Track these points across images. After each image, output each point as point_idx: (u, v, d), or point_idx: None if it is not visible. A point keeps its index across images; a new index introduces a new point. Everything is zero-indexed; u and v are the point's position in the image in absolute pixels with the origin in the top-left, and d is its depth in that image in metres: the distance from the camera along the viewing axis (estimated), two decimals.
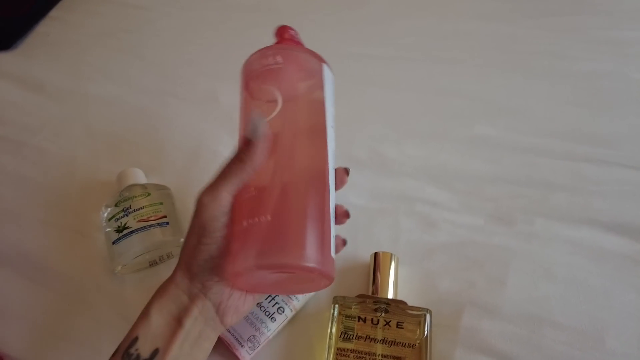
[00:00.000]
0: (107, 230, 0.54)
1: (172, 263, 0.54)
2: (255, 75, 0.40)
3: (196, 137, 0.69)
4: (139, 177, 0.60)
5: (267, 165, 0.36)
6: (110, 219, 0.55)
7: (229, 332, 0.45)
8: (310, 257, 0.33)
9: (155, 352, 0.30)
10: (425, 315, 0.45)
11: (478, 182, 0.60)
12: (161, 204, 0.56)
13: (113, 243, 0.53)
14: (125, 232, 0.53)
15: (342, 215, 0.39)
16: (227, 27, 0.91)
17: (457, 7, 0.90)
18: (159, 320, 0.31)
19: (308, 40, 0.86)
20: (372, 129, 0.68)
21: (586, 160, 0.62)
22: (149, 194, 0.57)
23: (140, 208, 0.55)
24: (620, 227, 0.54)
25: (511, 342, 0.46)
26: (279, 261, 0.33)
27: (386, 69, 0.77)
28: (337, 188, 0.39)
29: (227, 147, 0.67)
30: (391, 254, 0.49)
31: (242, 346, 0.45)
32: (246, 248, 0.33)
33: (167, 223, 0.55)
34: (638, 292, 0.49)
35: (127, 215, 0.54)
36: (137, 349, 0.30)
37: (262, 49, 0.42)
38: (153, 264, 0.55)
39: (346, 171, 0.40)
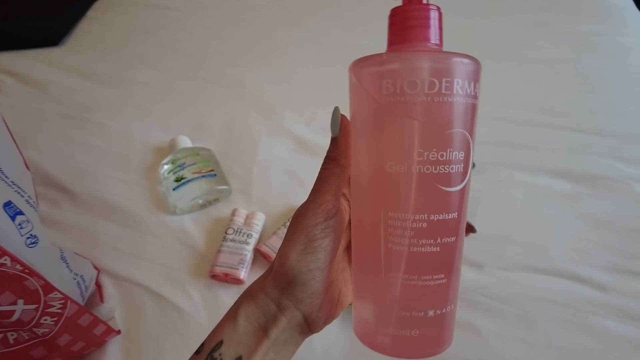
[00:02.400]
0: (167, 181, 0.70)
1: (219, 206, 0.70)
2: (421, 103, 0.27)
3: (229, 113, 0.84)
4: (188, 142, 0.75)
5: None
6: (169, 172, 0.70)
7: (222, 266, 0.60)
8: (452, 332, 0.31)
9: (239, 359, 0.29)
10: None
11: None
12: (209, 161, 0.72)
13: (173, 190, 0.68)
14: (183, 181, 0.68)
15: (468, 231, 0.33)
16: (246, 23, 1.07)
17: (440, 6, 1.06)
18: (246, 327, 0.30)
19: (317, 35, 1.02)
20: None
21: (544, 126, 0.78)
22: (198, 154, 0.72)
23: (193, 164, 0.70)
24: (565, 174, 0.70)
25: (480, 253, 0.61)
26: (427, 353, 0.30)
27: None
28: None
29: (256, 120, 0.82)
30: None
31: (237, 270, 0.60)
32: (396, 319, 0.29)
33: (215, 174, 0.70)
34: (575, 219, 0.65)
35: (183, 169, 0.70)
36: (220, 354, 0.29)
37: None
38: (204, 206, 0.70)
39: (472, 229, 0.34)
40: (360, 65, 0.28)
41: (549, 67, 0.91)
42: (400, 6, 0.29)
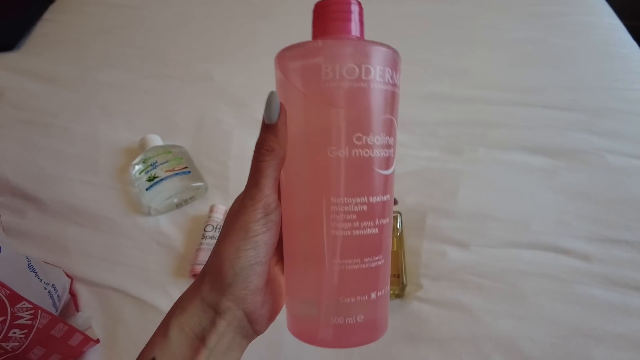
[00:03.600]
0: (140, 181, 0.66)
1: (196, 204, 0.67)
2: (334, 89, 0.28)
3: (199, 108, 0.82)
4: (158, 140, 0.72)
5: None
6: (141, 172, 0.67)
7: (202, 264, 0.57)
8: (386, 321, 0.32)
9: None
10: (397, 217, 0.59)
11: (433, 126, 0.75)
12: (181, 158, 0.69)
13: (146, 190, 0.65)
14: (156, 180, 0.65)
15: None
16: (210, 18, 1.04)
17: None
18: (179, 339, 0.27)
19: (284, 27, 1.01)
20: None
21: (516, 104, 0.79)
22: (170, 152, 0.69)
23: (165, 162, 0.67)
24: (541, 150, 0.71)
25: (464, 233, 0.61)
26: (369, 339, 0.30)
27: None
28: None
29: (227, 114, 0.80)
30: None
31: None
32: (341, 307, 0.29)
33: (190, 172, 0.67)
34: (554, 192, 0.65)
35: (155, 168, 0.67)
36: None
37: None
38: (179, 205, 0.67)
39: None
40: (288, 54, 0.30)
41: (517, 47, 0.92)
42: (322, 1, 0.30)
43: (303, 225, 0.29)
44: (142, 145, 0.71)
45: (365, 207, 0.28)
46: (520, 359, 0.49)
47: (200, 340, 0.28)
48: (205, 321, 0.28)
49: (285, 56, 0.29)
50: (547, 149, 0.71)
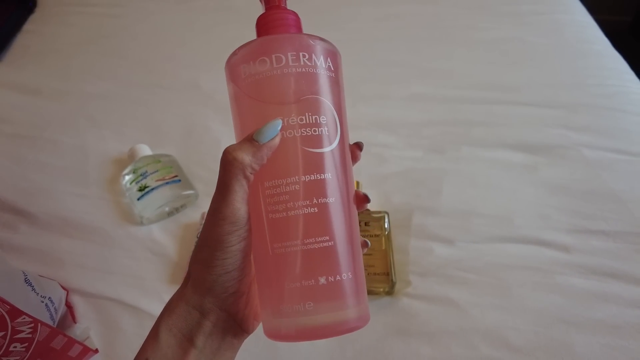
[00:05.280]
0: (131, 191, 0.67)
1: (187, 211, 0.68)
2: (265, 77, 0.30)
3: (186, 116, 0.83)
4: (147, 150, 0.73)
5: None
6: (131, 183, 0.68)
7: None
8: (365, 310, 0.30)
9: None
10: (384, 216, 0.61)
11: (416, 127, 0.78)
12: (171, 167, 0.70)
13: (138, 200, 0.66)
14: (146, 190, 0.66)
15: (362, 200, 0.32)
16: (195, 26, 1.05)
17: None
18: (169, 340, 0.29)
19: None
20: None
21: (496, 103, 0.81)
22: (159, 161, 0.70)
23: (155, 171, 0.68)
24: (521, 146, 0.73)
25: (449, 229, 0.63)
26: (346, 328, 0.29)
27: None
28: None
29: (214, 121, 0.81)
30: (357, 181, 0.66)
31: None
32: (286, 294, 0.28)
33: (180, 180, 0.68)
34: (535, 187, 0.68)
35: (146, 178, 0.68)
36: None
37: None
38: (171, 213, 0.68)
39: (359, 146, 0.33)
40: (227, 61, 0.32)
41: (495, 46, 0.94)
42: (262, 13, 0.33)
43: (253, 217, 0.30)
44: (132, 155, 0.72)
45: (297, 187, 0.28)
46: (507, 349, 0.51)
47: (189, 340, 0.29)
48: (191, 322, 0.29)
49: (229, 60, 0.32)
50: (526, 145, 0.73)
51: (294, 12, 0.32)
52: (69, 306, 0.57)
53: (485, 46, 0.95)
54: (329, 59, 0.31)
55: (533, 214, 0.65)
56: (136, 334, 0.54)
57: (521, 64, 0.90)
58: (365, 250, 0.33)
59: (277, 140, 0.29)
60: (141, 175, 0.68)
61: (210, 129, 0.80)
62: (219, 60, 0.94)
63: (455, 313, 0.55)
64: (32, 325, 0.43)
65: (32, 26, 1.10)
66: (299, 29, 0.32)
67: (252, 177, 0.29)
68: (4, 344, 0.42)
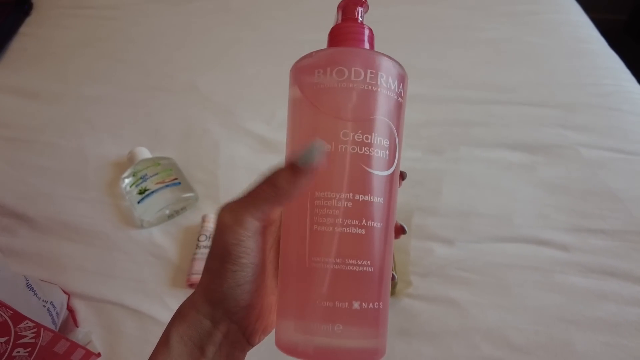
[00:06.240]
0: (131, 194, 0.67)
1: (187, 214, 0.68)
2: (337, 90, 0.29)
3: (185, 118, 0.82)
4: (147, 153, 0.73)
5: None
6: (131, 186, 0.68)
7: (198, 274, 0.59)
8: (384, 343, 0.29)
9: None
10: None
11: (415, 128, 0.78)
12: (171, 170, 0.70)
13: (138, 203, 0.66)
14: (146, 193, 0.66)
15: (398, 231, 0.32)
16: (192, 28, 1.05)
17: None
18: (180, 348, 0.28)
19: (265, 33, 1.02)
20: None
21: (494, 103, 0.82)
22: (159, 164, 0.70)
23: (155, 174, 0.68)
24: (519, 146, 0.74)
25: (449, 230, 0.64)
26: (366, 357, 0.28)
27: None
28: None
29: (213, 123, 0.81)
30: None
31: None
32: (316, 311, 0.27)
33: (179, 183, 0.68)
34: (534, 187, 0.68)
35: (146, 181, 0.68)
36: None
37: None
38: (171, 216, 0.68)
39: (402, 176, 0.33)
40: (296, 63, 0.31)
41: (492, 46, 0.95)
42: (336, 24, 0.32)
43: (292, 226, 0.29)
44: (131, 159, 0.72)
45: (350, 204, 0.27)
46: (508, 348, 0.52)
47: (200, 349, 0.28)
48: (202, 331, 0.28)
49: (296, 67, 0.31)
50: (525, 145, 0.74)
51: (370, 28, 0.32)
52: (70, 310, 0.57)
53: (482, 46, 0.95)
54: (401, 85, 0.30)
55: (532, 214, 0.65)
56: (138, 338, 0.54)
57: (518, 64, 0.91)
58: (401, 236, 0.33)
59: (319, 167, 0.27)
60: (141, 178, 0.68)
61: (209, 131, 0.80)
62: (216, 62, 0.95)
63: (456, 313, 0.55)
64: (35, 330, 0.43)
65: (28, 29, 1.10)
66: (372, 46, 0.32)
67: (261, 218, 0.27)
68: (7, 349, 0.42)
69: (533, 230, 0.63)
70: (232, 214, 0.27)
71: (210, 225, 0.64)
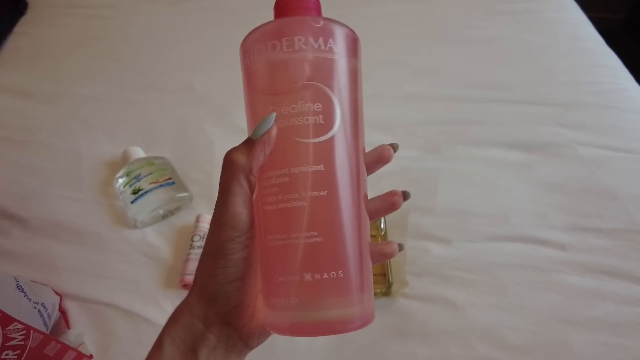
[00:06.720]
0: (124, 194, 0.67)
1: (181, 214, 0.67)
2: (278, 63, 0.28)
3: (180, 118, 0.82)
4: (141, 153, 0.72)
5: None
6: (125, 185, 0.67)
7: (192, 274, 0.57)
8: (357, 312, 0.28)
9: None
10: (381, 217, 0.61)
11: (411, 126, 0.77)
12: (165, 169, 0.69)
13: (131, 203, 0.65)
14: (140, 192, 0.66)
15: (394, 196, 0.33)
16: (187, 27, 1.04)
17: None
18: (173, 351, 0.28)
19: None
20: None
21: (491, 102, 0.81)
22: (153, 164, 0.70)
23: (149, 174, 0.68)
24: (516, 145, 0.73)
25: (445, 229, 0.63)
26: (338, 327, 0.27)
27: None
28: (376, 168, 0.32)
29: (209, 122, 0.80)
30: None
31: None
32: (274, 287, 0.27)
33: (173, 182, 0.68)
34: (531, 186, 0.68)
35: (139, 181, 0.67)
36: None
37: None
38: (165, 216, 0.67)
39: (393, 147, 0.33)
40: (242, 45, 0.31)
41: (490, 45, 0.94)
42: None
43: (255, 211, 0.29)
44: (125, 158, 0.71)
45: (287, 179, 0.27)
46: (505, 348, 0.51)
47: (192, 352, 0.28)
48: (195, 333, 0.28)
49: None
50: (522, 144, 0.73)
51: None
52: (62, 312, 0.56)
53: (479, 45, 0.95)
54: (330, 40, 0.29)
55: (529, 213, 0.65)
56: (131, 339, 0.54)
57: (515, 63, 0.90)
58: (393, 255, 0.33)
59: (272, 134, 0.27)
60: (135, 178, 0.67)
61: (204, 131, 0.79)
62: (212, 61, 0.94)
63: (452, 313, 0.54)
64: (24, 332, 0.43)
65: (23, 28, 1.09)
66: (300, 11, 0.30)
67: (253, 178, 0.28)
68: None
69: (530, 230, 0.62)
70: (224, 208, 0.27)
71: (205, 225, 0.64)
